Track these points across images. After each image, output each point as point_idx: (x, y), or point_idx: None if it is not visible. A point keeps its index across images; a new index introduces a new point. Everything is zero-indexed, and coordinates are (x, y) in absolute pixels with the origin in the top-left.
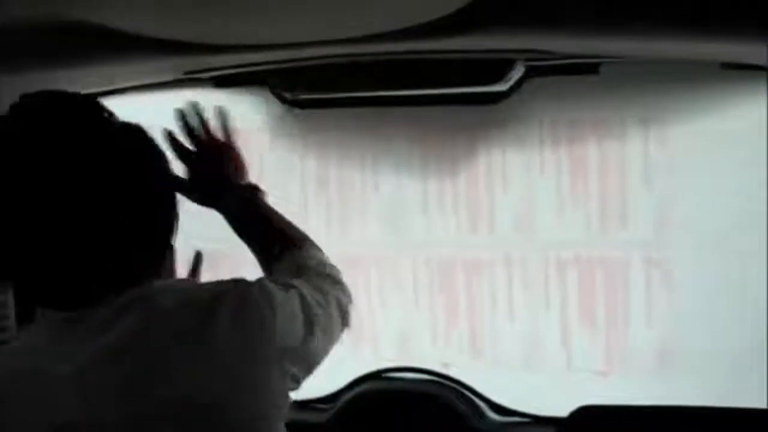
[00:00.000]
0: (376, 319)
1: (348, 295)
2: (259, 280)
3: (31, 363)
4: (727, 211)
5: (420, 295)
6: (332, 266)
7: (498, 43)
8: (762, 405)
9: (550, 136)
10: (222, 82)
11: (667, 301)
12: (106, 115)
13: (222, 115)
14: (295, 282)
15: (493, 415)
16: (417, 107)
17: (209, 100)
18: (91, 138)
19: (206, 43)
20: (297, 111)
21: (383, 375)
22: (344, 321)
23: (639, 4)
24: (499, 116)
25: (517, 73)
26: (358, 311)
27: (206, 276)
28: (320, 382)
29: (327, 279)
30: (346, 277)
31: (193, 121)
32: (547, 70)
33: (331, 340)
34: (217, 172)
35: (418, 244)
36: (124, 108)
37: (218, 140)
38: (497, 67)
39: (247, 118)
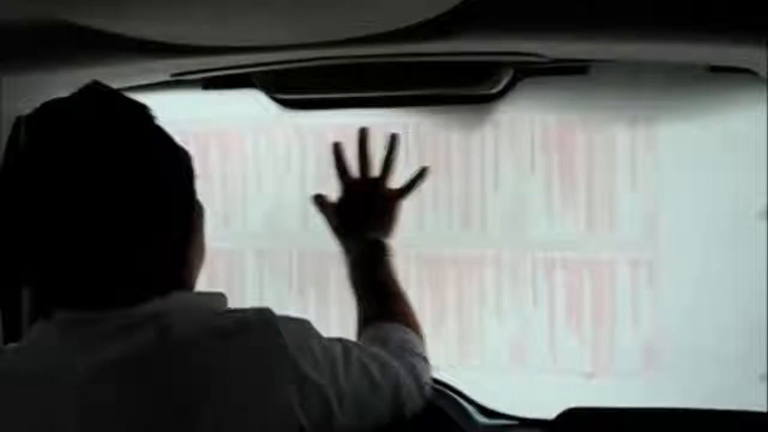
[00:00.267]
0: None
1: (418, 386)
2: (289, 323)
3: (35, 365)
4: (714, 213)
5: (409, 292)
6: (416, 354)
7: (487, 45)
8: (749, 406)
9: (541, 136)
10: (211, 83)
11: (654, 302)
12: (147, 118)
13: (392, 151)
14: (355, 343)
15: (480, 418)
16: (409, 108)
17: (197, 101)
18: (130, 138)
19: (194, 45)
20: (288, 112)
21: None
22: (398, 401)
23: (627, 8)
24: (492, 116)
25: (506, 75)
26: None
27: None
28: None
29: (400, 361)
30: (331, 271)
31: (366, 150)
32: (537, 70)
33: (363, 414)
34: (356, 210)
35: (409, 242)
36: None
37: (378, 181)
38: (487, 69)
39: (236, 120)
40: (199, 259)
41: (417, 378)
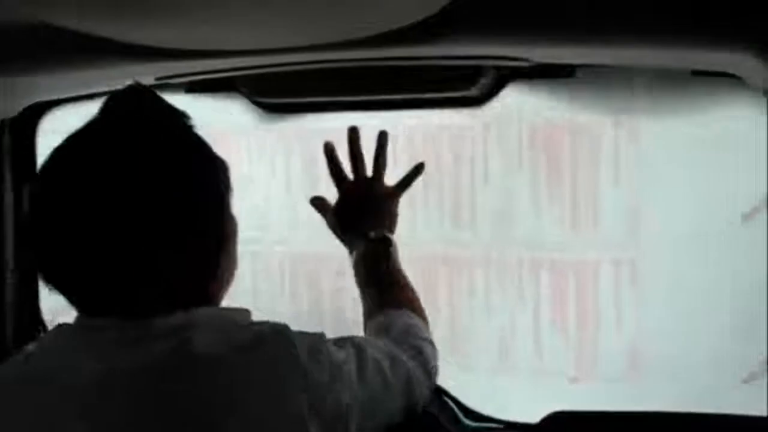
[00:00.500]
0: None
1: (426, 371)
2: (302, 334)
3: (38, 366)
4: (698, 215)
5: None
6: (421, 338)
7: (473, 49)
8: (733, 410)
9: (528, 138)
10: (194, 87)
11: (637, 303)
12: (186, 124)
13: (382, 148)
14: (366, 339)
15: (466, 421)
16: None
17: (181, 105)
18: (166, 143)
19: (178, 49)
20: (273, 116)
21: None
22: (410, 396)
23: (613, 14)
24: (480, 119)
25: (493, 78)
26: (336, 309)
27: None
28: None
29: (406, 348)
30: (323, 272)
31: (358, 149)
32: (523, 73)
33: (376, 413)
34: (355, 211)
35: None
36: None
37: (373, 180)
38: (474, 72)
39: (220, 124)
40: (230, 273)
41: (425, 363)
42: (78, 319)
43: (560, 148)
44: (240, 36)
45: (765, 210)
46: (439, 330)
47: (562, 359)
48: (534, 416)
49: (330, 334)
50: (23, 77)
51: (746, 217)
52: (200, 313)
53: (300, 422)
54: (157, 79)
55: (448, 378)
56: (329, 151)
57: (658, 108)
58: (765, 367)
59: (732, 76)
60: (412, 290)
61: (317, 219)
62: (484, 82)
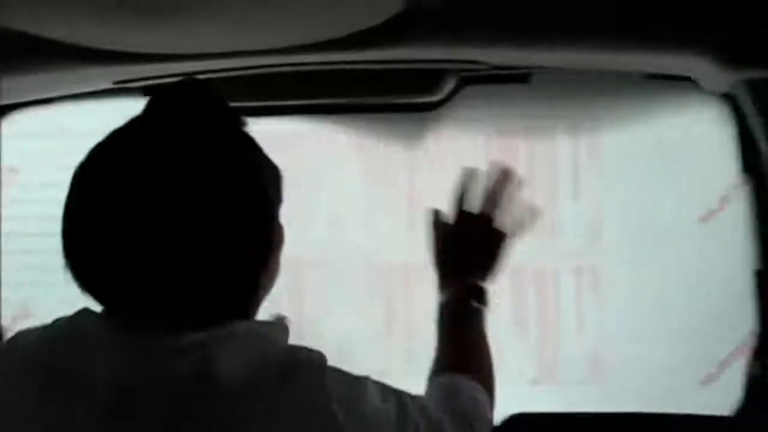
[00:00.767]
0: (315, 324)
1: None
2: (341, 375)
3: (67, 364)
4: (656, 218)
5: (359, 299)
6: (480, 419)
7: (429, 53)
8: (692, 411)
9: (485, 143)
10: (153, 91)
11: (598, 309)
12: (239, 124)
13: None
14: (416, 400)
15: None
16: (355, 114)
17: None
18: (216, 142)
19: (136, 53)
20: None
21: None
22: None
23: (568, 18)
24: (436, 124)
25: (449, 82)
26: (297, 314)
27: None
28: None
29: (458, 425)
30: (286, 280)
31: (472, 190)
32: (478, 78)
33: None
34: (464, 249)
35: (358, 249)
36: (54, 118)
37: (492, 221)
38: (430, 77)
39: None
40: (271, 283)
41: None
42: (105, 318)
43: (517, 152)
44: (199, 40)
45: (721, 212)
46: (397, 335)
47: (524, 363)
48: (495, 418)
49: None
50: None
51: (703, 220)
52: (234, 327)
53: None
54: (116, 82)
55: (409, 381)
56: (468, 177)
57: (614, 112)
58: (723, 368)
59: (687, 79)
60: (489, 357)
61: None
62: (441, 86)
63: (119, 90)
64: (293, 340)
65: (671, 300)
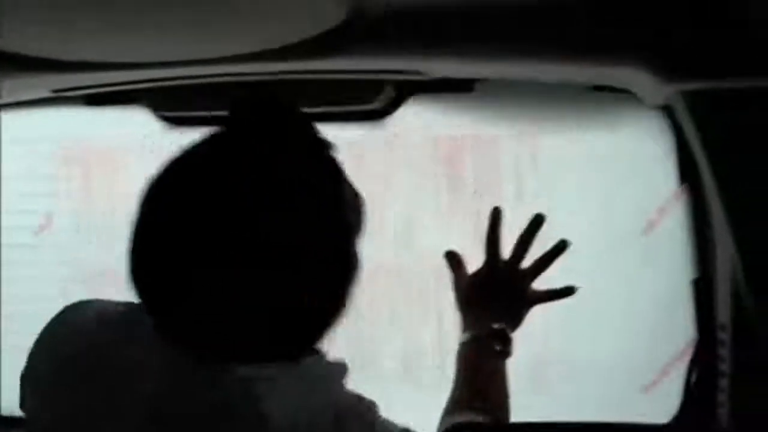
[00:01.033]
0: None
1: None
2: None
3: (118, 360)
4: (596, 229)
5: None
6: None
7: (371, 63)
8: (634, 418)
9: (430, 152)
10: (94, 100)
11: (539, 317)
12: (327, 149)
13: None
14: None
15: None
16: None
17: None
18: (299, 166)
19: (76, 61)
20: (175, 129)
21: None
22: None
23: (510, 29)
24: (382, 133)
25: (393, 92)
26: None
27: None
28: None
29: None
30: None
31: (498, 233)
32: (423, 88)
33: None
34: (489, 294)
35: None
36: None
37: (518, 266)
38: (374, 87)
39: (121, 136)
40: (340, 314)
41: None
42: (159, 326)
43: (462, 162)
44: (139, 49)
45: (660, 222)
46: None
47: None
48: (432, 428)
49: None
50: None
51: (642, 230)
52: (293, 365)
53: None
54: (54, 91)
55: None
56: (496, 217)
57: (556, 123)
58: (663, 376)
59: (627, 91)
60: (507, 400)
61: None
62: (386, 95)
63: (59, 98)
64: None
65: (612, 309)
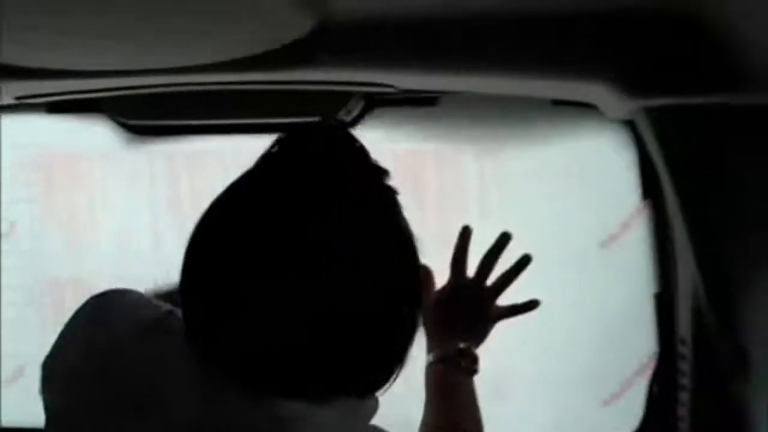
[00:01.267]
0: None
1: None
2: None
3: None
4: (560, 242)
5: None
6: None
7: (336, 75)
8: (595, 431)
9: (392, 166)
10: (56, 107)
11: (500, 329)
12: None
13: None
14: None
15: None
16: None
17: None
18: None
19: (38, 68)
20: (138, 138)
21: None
22: None
23: (475, 43)
24: None
25: (358, 104)
26: None
27: None
28: None
29: None
30: None
31: (465, 252)
32: (387, 101)
33: None
34: (455, 313)
35: None
36: None
37: (484, 284)
38: (338, 98)
39: (83, 144)
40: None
41: None
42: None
43: (425, 176)
44: (103, 57)
45: (623, 236)
46: None
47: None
48: None
49: None
50: None
51: (605, 244)
52: (325, 405)
53: None
54: (17, 98)
55: None
56: (465, 236)
57: (520, 136)
58: (625, 389)
59: (591, 106)
60: (479, 420)
61: (177, 243)
62: (350, 108)
63: (21, 105)
64: None
65: (574, 322)
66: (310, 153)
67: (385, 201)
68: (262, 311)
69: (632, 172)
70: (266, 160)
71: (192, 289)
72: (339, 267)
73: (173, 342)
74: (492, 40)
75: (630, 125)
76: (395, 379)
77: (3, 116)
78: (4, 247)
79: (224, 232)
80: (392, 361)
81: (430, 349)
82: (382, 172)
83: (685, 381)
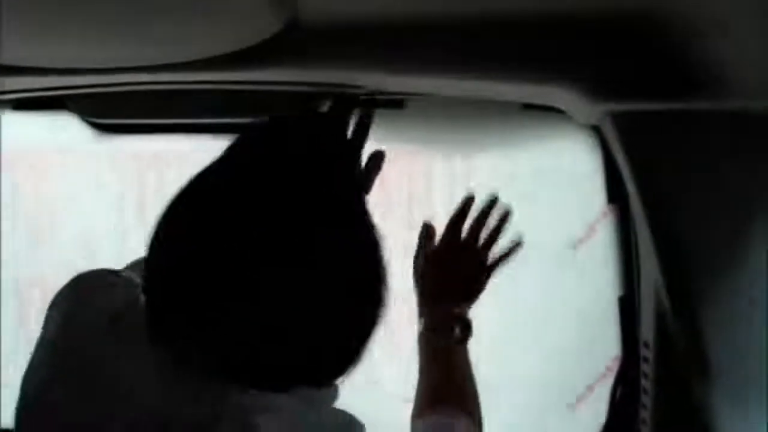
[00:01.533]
0: None
1: None
2: None
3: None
4: (526, 245)
5: None
6: None
7: (304, 75)
8: None
9: None
10: (22, 104)
11: None
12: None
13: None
14: None
15: None
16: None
17: (8, 123)
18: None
19: (3, 65)
20: (105, 136)
21: None
22: None
23: (442, 46)
24: None
25: (323, 105)
26: None
27: None
28: None
29: None
30: None
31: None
32: (354, 102)
33: None
34: (450, 276)
35: None
36: None
37: (468, 253)
38: (305, 99)
39: (49, 142)
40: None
41: None
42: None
43: (393, 178)
44: (71, 55)
45: (589, 240)
46: None
47: (397, 382)
48: None
49: None
50: None
51: (571, 247)
52: (286, 395)
53: None
54: None
55: None
56: (467, 204)
57: (488, 140)
58: (590, 392)
59: (558, 110)
60: (475, 387)
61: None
62: (314, 109)
63: None
64: None
65: (539, 324)
66: (274, 144)
67: (351, 197)
68: (222, 304)
69: (599, 176)
70: (229, 152)
71: (153, 281)
72: (300, 260)
73: (138, 332)
74: (461, 43)
75: (596, 130)
76: (351, 372)
77: None
78: None
79: (185, 224)
80: (349, 356)
81: (421, 314)
82: (351, 165)
83: (648, 384)
